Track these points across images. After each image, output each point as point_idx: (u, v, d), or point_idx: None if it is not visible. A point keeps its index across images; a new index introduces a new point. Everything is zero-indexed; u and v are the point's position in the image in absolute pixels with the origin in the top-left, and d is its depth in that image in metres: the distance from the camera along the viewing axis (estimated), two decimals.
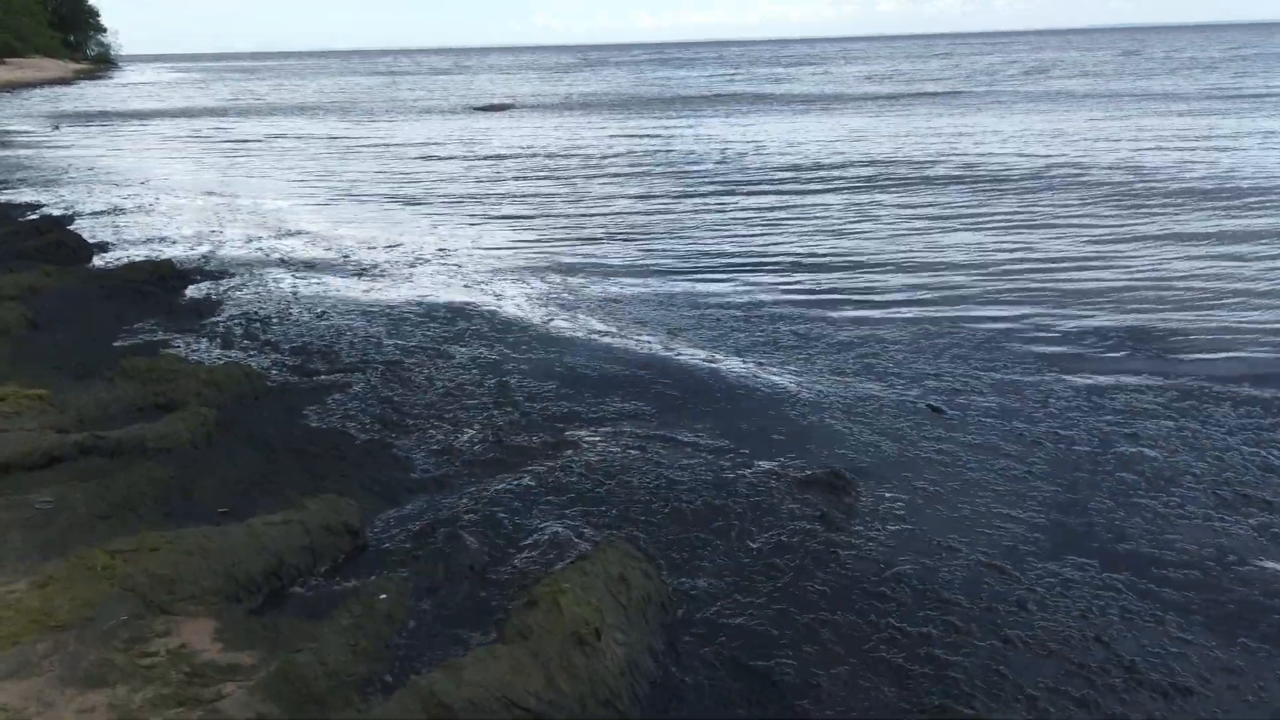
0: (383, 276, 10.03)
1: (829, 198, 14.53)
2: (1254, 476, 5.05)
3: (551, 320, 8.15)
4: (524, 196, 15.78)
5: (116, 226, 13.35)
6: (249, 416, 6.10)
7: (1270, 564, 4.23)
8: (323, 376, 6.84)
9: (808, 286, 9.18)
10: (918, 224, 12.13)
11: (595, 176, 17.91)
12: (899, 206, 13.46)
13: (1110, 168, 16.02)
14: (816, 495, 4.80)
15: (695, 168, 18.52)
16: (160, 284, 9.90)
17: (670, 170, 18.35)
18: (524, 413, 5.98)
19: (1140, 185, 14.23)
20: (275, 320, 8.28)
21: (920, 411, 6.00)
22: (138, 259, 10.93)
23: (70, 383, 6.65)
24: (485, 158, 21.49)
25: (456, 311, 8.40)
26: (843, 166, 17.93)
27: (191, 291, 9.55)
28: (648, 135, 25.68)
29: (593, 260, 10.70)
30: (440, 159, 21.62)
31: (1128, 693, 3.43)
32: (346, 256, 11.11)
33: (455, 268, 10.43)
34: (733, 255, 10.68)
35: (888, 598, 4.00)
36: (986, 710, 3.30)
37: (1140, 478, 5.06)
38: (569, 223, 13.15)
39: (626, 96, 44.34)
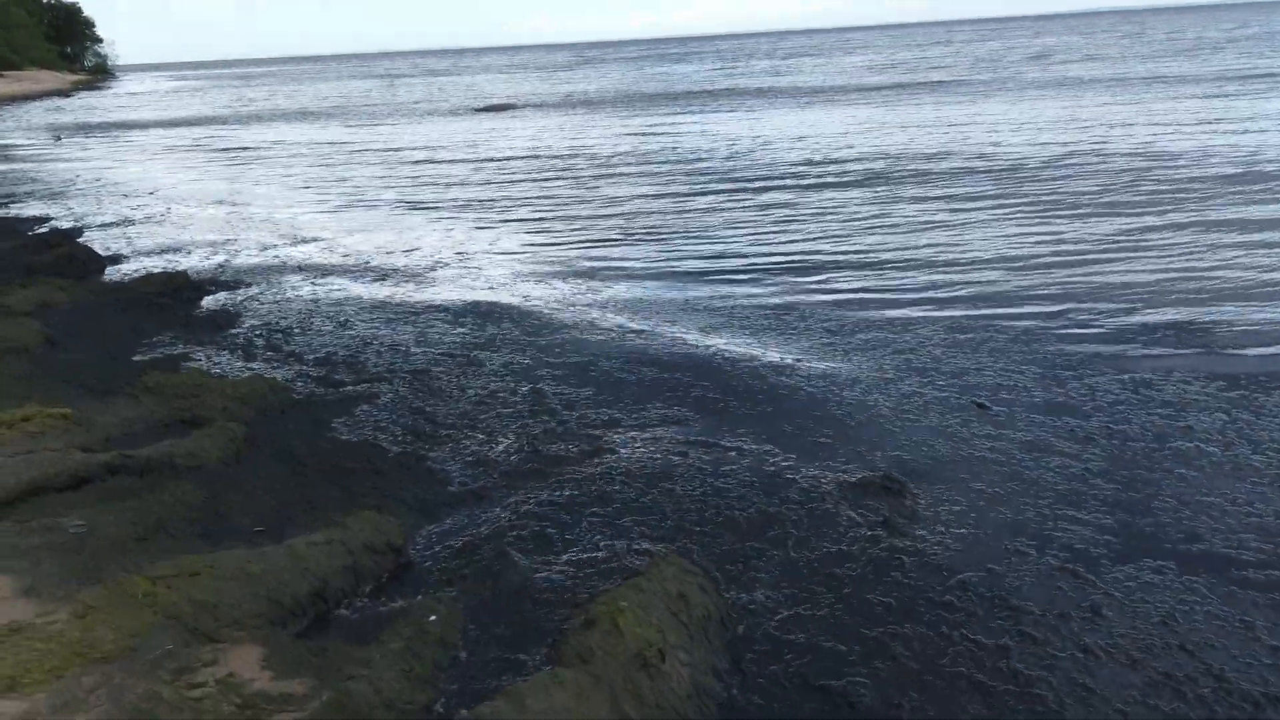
0: (403, 282, 9.89)
1: (846, 192, 14.34)
2: None
3: (580, 323, 7.99)
4: (536, 198, 15.63)
5: (128, 238, 13.24)
6: (276, 430, 5.97)
7: None
8: (349, 387, 6.69)
9: (835, 284, 9.01)
10: (939, 217, 11.95)
11: (605, 176, 17.75)
12: (918, 200, 13.28)
13: (1130, 154, 15.79)
14: (872, 499, 4.65)
15: (706, 165, 18.34)
16: (175, 295, 9.78)
17: (681, 168, 18.18)
18: (560, 420, 5.83)
19: (1162, 172, 14.01)
20: (296, 330, 8.14)
21: (966, 408, 5.84)
22: (151, 271, 10.82)
23: (91, 400, 6.52)
24: (492, 160, 21.34)
25: (483, 316, 8.25)
26: (856, 160, 17.74)
27: (208, 302, 9.42)
28: (654, 133, 25.50)
29: (614, 261, 10.55)
30: (447, 162, 21.48)
31: (1219, 704, 3.28)
32: (364, 263, 10.97)
33: (476, 271, 10.28)
34: (755, 255, 10.51)
35: (956, 607, 3.84)
36: None
37: (1201, 474, 4.91)
38: (585, 224, 13.00)
39: (628, 94, 44.14)
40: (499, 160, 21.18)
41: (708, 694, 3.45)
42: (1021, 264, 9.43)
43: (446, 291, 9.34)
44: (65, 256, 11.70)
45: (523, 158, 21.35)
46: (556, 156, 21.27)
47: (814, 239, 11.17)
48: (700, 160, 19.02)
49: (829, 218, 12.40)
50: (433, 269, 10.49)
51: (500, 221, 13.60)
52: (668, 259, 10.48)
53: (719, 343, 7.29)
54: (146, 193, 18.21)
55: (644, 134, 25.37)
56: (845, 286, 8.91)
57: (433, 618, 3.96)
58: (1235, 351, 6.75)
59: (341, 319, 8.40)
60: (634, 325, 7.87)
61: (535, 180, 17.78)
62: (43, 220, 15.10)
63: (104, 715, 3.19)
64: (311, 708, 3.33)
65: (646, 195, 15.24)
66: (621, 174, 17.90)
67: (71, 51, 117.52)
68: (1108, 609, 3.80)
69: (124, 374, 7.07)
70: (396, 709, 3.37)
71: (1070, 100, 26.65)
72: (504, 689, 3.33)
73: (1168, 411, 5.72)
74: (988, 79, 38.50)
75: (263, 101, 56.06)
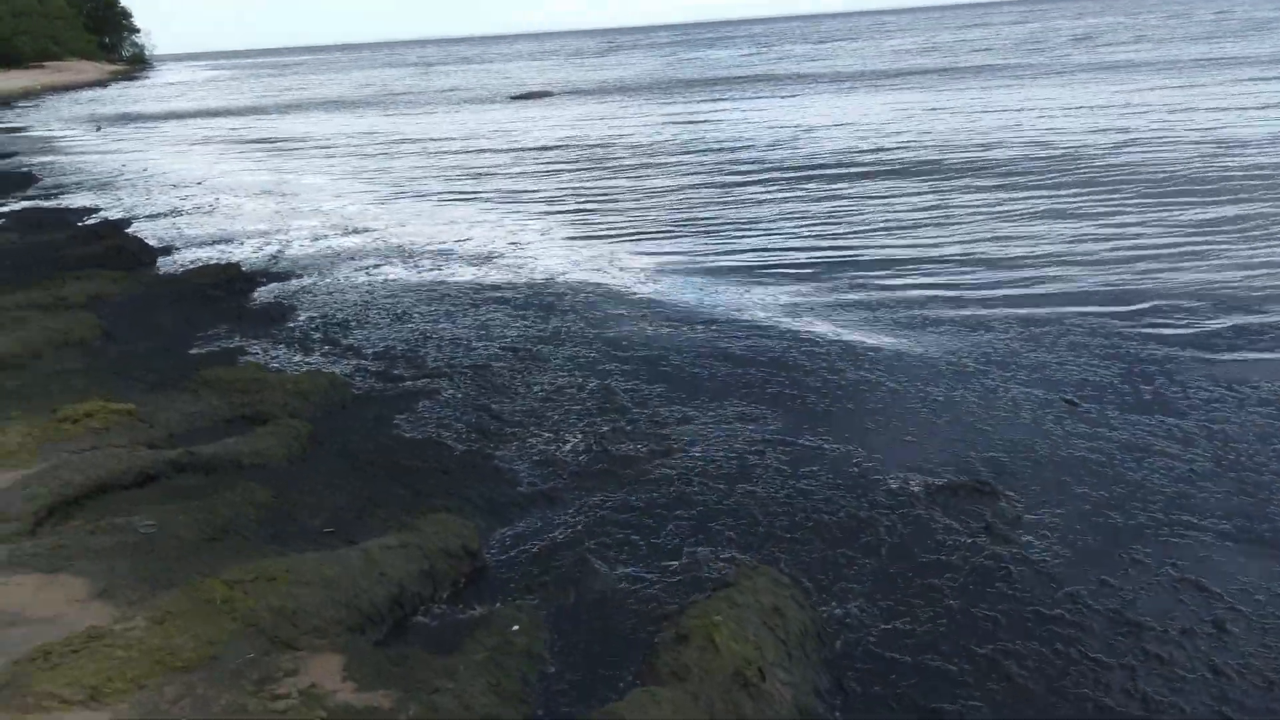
0: (459, 274, 9.73)
1: (899, 182, 13.96)
2: None
3: (645, 315, 7.79)
4: (582, 188, 15.42)
5: (177, 229, 13.25)
6: (338, 427, 5.86)
7: None
8: (409, 382, 6.57)
9: (901, 278, 8.68)
10: (1000, 209, 11.55)
11: (650, 165, 17.50)
12: (975, 191, 12.87)
13: (1195, 141, 15.21)
14: (969, 503, 4.43)
15: (750, 153, 18.01)
16: (228, 287, 9.73)
17: (725, 156, 17.87)
18: (631, 419, 5.65)
19: (1231, 159, 13.45)
20: (353, 323, 8.03)
21: (1054, 405, 5.58)
22: (203, 262, 10.79)
23: (151, 395, 6.45)
24: (534, 149, 21.17)
25: (545, 308, 8.08)
26: (906, 147, 17.31)
27: (261, 294, 9.35)
28: (694, 120, 25.16)
29: (668, 253, 10.32)
30: (490, 151, 21.34)
31: None
32: (417, 254, 10.85)
33: (532, 262, 10.10)
34: (813, 247, 10.19)
35: (1070, 622, 3.62)
36: None
37: None
38: (634, 215, 12.77)
39: (663, 80, 43.69)
40: (540, 149, 21.00)
41: (811, 716, 3.26)
42: (1092, 257, 9.06)
43: (504, 283, 9.18)
44: (115, 248, 11.73)
45: (564, 147, 21.14)
46: (598, 145, 21.05)
47: (872, 231, 10.85)
48: (744, 148, 18.69)
49: (885, 208, 12.06)
50: (488, 260, 10.33)
51: (549, 212, 13.42)
52: (723, 251, 10.23)
53: (790, 337, 7.05)
54: (194, 183, 18.28)
55: (684, 122, 25.04)
56: (911, 280, 8.61)
57: (515, 627, 3.81)
58: None
59: (398, 311, 8.28)
60: (700, 318, 7.65)
61: (579, 170, 17.58)
62: (92, 211, 15.19)
63: None
64: None
65: (694, 185, 14.98)
66: (665, 164, 17.63)
67: (110, 42, 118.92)
68: (1234, 624, 3.56)
69: (181, 367, 7.01)
70: None
71: (1123, 84, 25.88)
72: (599, 708, 3.16)
73: (1267, 410, 5.43)
74: (1033, 62, 37.57)
75: (299, 90, 56.34)
